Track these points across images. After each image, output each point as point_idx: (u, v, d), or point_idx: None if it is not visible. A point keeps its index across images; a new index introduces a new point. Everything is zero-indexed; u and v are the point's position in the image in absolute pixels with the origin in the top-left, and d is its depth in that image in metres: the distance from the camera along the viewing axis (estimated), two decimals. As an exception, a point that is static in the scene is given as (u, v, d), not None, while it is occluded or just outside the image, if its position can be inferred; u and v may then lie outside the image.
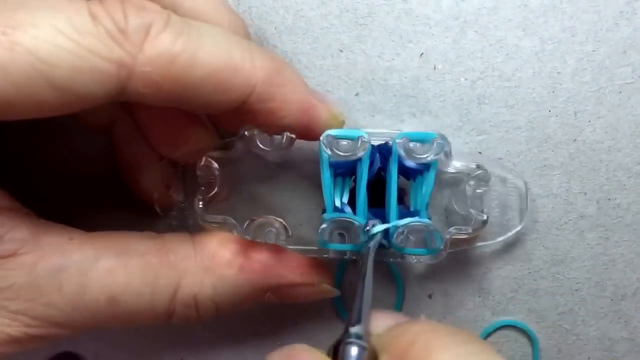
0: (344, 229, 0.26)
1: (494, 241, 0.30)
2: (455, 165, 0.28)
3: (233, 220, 0.26)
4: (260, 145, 0.26)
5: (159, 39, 0.22)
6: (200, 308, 0.26)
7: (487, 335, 0.31)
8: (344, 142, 0.26)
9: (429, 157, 0.26)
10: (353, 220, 0.26)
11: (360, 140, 0.25)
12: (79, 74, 0.21)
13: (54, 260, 0.24)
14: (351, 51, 0.30)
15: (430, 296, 0.31)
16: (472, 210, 0.28)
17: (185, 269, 0.25)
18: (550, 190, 0.31)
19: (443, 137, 0.26)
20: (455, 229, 0.28)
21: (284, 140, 0.26)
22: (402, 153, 0.26)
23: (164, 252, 0.25)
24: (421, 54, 0.30)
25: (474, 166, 0.28)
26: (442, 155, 0.26)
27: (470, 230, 0.28)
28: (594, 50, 0.30)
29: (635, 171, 0.30)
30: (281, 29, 0.30)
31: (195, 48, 0.23)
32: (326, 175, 0.26)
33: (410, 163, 0.26)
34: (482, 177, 0.28)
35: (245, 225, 0.26)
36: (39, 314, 0.23)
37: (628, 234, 0.31)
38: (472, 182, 0.28)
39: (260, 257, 0.26)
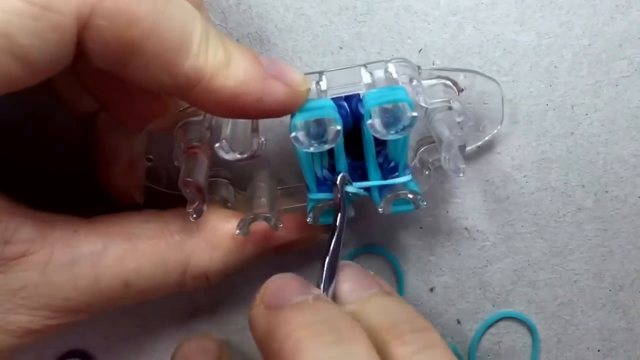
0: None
1: (470, 147, 0.30)
2: (428, 100, 0.27)
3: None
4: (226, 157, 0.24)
5: None
6: (210, 278, 0.27)
7: (488, 327, 0.32)
8: (314, 133, 0.24)
9: (401, 131, 0.24)
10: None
11: (329, 130, 0.24)
12: (40, 38, 0.19)
13: (64, 255, 0.24)
14: (351, 48, 0.30)
15: (431, 289, 0.31)
16: (449, 136, 0.27)
17: (193, 249, 0.26)
18: (549, 183, 0.31)
19: (409, 103, 0.24)
20: (432, 162, 0.28)
21: (255, 149, 0.24)
22: (374, 132, 0.24)
23: (169, 234, 0.26)
24: (420, 50, 0.30)
25: (445, 101, 0.27)
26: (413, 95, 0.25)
27: (447, 158, 0.26)
28: (590, 44, 0.30)
29: (632, 163, 0.31)
30: (281, 27, 0.30)
31: (159, 16, 0.20)
32: (303, 157, 0.25)
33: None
34: (457, 109, 0.28)
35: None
36: (58, 307, 0.24)
37: (625, 226, 0.31)
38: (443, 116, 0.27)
39: (260, 226, 0.26)
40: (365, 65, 0.26)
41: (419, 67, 0.27)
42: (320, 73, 0.26)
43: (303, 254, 0.31)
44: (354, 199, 0.27)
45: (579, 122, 0.31)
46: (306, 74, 0.25)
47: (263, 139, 0.24)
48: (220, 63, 0.22)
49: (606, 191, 0.31)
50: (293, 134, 0.23)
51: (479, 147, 0.31)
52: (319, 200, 0.26)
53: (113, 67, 0.21)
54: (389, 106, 0.23)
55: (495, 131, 0.30)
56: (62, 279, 0.24)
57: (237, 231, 0.26)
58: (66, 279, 0.24)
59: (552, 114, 0.30)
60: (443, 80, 0.27)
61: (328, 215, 0.27)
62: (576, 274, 0.31)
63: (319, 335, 0.19)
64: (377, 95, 0.24)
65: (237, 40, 0.30)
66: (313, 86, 0.25)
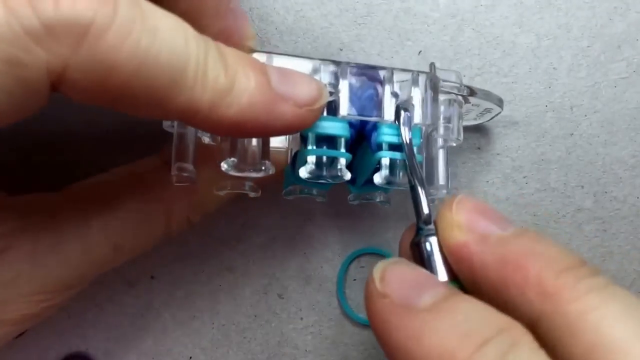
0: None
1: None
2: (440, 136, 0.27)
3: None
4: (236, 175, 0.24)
5: (100, 42, 0.17)
6: (192, 220, 0.27)
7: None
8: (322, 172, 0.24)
9: (400, 187, 0.25)
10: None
11: (340, 171, 0.24)
12: (4, 92, 0.17)
13: (49, 237, 0.24)
14: (351, 50, 0.30)
15: (432, 290, 0.31)
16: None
17: (171, 198, 0.26)
18: (548, 184, 0.31)
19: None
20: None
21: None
22: (378, 183, 0.24)
23: (146, 190, 0.26)
24: (419, 52, 0.30)
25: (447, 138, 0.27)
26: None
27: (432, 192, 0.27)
28: (589, 46, 0.31)
29: (631, 164, 0.31)
30: (282, 29, 0.30)
31: (144, 58, 0.18)
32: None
33: None
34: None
35: None
36: (54, 287, 0.24)
37: (625, 226, 0.31)
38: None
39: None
40: (392, 73, 0.25)
41: (443, 81, 0.26)
42: (343, 66, 0.24)
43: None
44: (326, 187, 0.27)
45: (578, 123, 0.31)
46: (326, 60, 0.24)
47: (273, 168, 0.24)
48: (221, 91, 0.19)
49: (605, 192, 0.31)
50: (303, 174, 0.23)
51: (479, 148, 0.31)
52: (298, 182, 0.26)
53: (99, 104, 0.19)
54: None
55: (472, 124, 0.30)
56: (52, 260, 0.24)
57: (216, 191, 0.26)
58: (56, 259, 0.24)
59: (551, 115, 0.31)
60: (454, 97, 0.27)
61: (304, 193, 0.27)
62: (576, 275, 0.32)
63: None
64: (391, 132, 0.24)
65: (237, 42, 0.30)
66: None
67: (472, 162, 0.31)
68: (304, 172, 0.23)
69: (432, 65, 0.26)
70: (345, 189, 0.28)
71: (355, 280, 0.31)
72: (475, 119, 0.30)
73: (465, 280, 0.21)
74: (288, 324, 0.31)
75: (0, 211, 0.24)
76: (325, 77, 0.24)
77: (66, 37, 0.17)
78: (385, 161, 0.24)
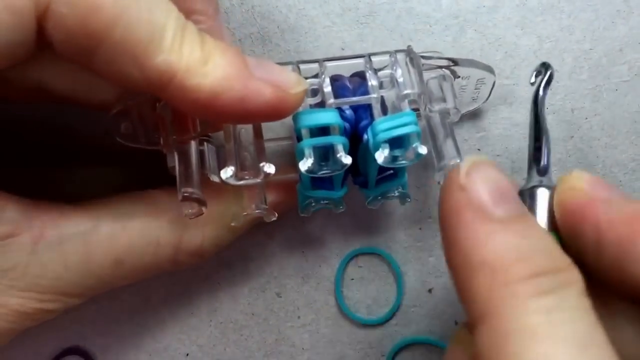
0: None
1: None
2: (430, 108, 0.27)
3: None
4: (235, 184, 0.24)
5: None
6: (204, 254, 0.27)
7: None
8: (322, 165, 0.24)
9: (408, 162, 0.25)
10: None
11: (337, 161, 0.24)
12: None
13: (53, 235, 0.24)
14: (353, 49, 0.30)
15: (430, 290, 0.31)
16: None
17: (184, 226, 0.26)
18: (548, 186, 0.31)
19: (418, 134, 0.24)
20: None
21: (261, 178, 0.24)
22: (382, 163, 0.24)
23: (159, 212, 0.26)
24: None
25: (445, 110, 0.27)
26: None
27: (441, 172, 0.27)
28: (591, 49, 0.30)
29: (631, 167, 0.31)
30: (284, 28, 0.30)
31: (126, 5, 0.19)
32: (300, 152, 0.25)
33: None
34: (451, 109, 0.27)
35: None
36: (48, 288, 0.24)
37: (624, 229, 0.31)
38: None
39: (250, 196, 0.26)
40: (370, 58, 0.26)
41: (423, 57, 0.27)
42: (321, 63, 0.25)
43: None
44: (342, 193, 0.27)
45: (578, 126, 0.31)
46: (303, 61, 0.25)
47: (271, 167, 0.24)
48: (197, 60, 0.20)
49: (605, 195, 0.31)
50: (303, 168, 0.23)
51: (479, 149, 0.31)
52: (312, 198, 0.27)
53: (79, 58, 0.20)
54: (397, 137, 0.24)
55: (475, 107, 0.30)
56: (51, 258, 0.24)
57: (232, 223, 0.26)
58: (56, 258, 0.24)
59: (552, 117, 0.31)
60: (442, 72, 0.27)
61: (321, 208, 0.27)
62: (574, 277, 0.32)
63: (533, 276, 0.18)
64: (387, 126, 0.24)
65: (239, 40, 0.30)
66: (310, 99, 0.25)
67: (472, 163, 0.31)
68: (303, 166, 0.23)
69: (408, 46, 0.27)
70: (350, 189, 0.28)
71: (352, 279, 0.31)
72: (473, 99, 0.29)
73: (583, 237, 0.21)
74: (285, 322, 0.31)
75: (9, 201, 0.24)
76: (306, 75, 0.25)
77: None
78: (383, 144, 0.24)
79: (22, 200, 0.24)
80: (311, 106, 0.25)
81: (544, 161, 0.24)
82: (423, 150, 0.24)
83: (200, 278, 0.31)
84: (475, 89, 0.29)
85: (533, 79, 0.26)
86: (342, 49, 0.30)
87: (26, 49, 0.20)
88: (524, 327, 0.17)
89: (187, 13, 0.22)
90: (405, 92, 0.25)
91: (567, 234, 0.21)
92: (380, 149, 0.24)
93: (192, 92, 0.20)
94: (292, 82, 0.22)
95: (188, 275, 0.31)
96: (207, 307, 0.31)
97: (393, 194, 0.28)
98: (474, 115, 0.31)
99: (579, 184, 0.22)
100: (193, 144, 0.25)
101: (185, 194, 0.24)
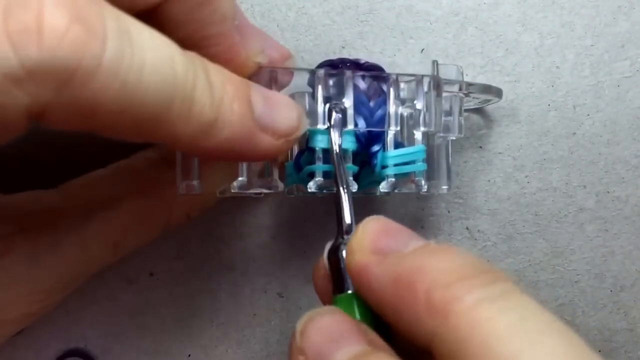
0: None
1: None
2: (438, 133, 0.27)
3: None
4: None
5: (86, 86, 0.16)
6: (191, 217, 0.27)
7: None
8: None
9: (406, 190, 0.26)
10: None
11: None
12: None
13: (49, 238, 0.24)
14: (353, 48, 0.30)
15: (432, 289, 0.31)
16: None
17: (172, 196, 0.26)
18: (550, 184, 0.31)
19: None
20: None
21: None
22: (385, 190, 0.25)
23: (145, 188, 0.26)
24: (422, 50, 0.30)
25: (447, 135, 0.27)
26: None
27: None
28: (592, 45, 0.30)
29: (634, 164, 0.31)
30: (283, 27, 0.30)
31: (130, 99, 0.17)
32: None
33: None
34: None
35: None
36: (52, 286, 0.24)
37: (627, 226, 0.31)
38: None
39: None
40: (397, 80, 0.25)
41: (445, 81, 0.26)
42: (346, 79, 0.24)
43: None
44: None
45: (580, 123, 0.31)
46: (329, 74, 0.24)
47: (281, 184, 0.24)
48: (204, 125, 0.19)
49: (608, 192, 0.31)
50: (312, 188, 0.24)
51: (480, 147, 0.31)
52: (300, 182, 0.26)
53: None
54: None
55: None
56: (51, 260, 0.24)
57: (218, 193, 0.26)
58: (56, 259, 0.24)
59: (554, 114, 0.30)
60: (456, 93, 0.27)
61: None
62: (577, 275, 0.31)
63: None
64: (397, 161, 0.25)
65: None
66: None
67: (473, 161, 0.31)
68: (313, 186, 0.24)
69: (434, 62, 0.26)
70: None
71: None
72: (474, 105, 0.30)
73: (369, 301, 0.20)
74: (287, 322, 0.31)
75: (3, 213, 0.23)
76: (325, 90, 0.24)
77: (50, 82, 0.15)
78: (389, 176, 0.25)
79: (13, 205, 0.24)
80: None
81: (347, 220, 0.22)
82: (424, 188, 0.25)
83: (201, 278, 0.31)
84: (480, 103, 0.29)
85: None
86: (343, 47, 0.30)
87: (16, 135, 0.17)
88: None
89: (202, 41, 0.21)
90: (423, 129, 0.25)
91: (362, 296, 0.20)
92: (386, 181, 0.25)
93: (195, 151, 0.21)
94: (293, 128, 0.22)
95: (189, 275, 0.31)
96: (208, 307, 0.31)
97: (376, 193, 0.27)
98: (476, 112, 0.31)
99: (361, 240, 0.20)
100: None
101: (185, 191, 0.24)
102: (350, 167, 0.24)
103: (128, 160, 0.27)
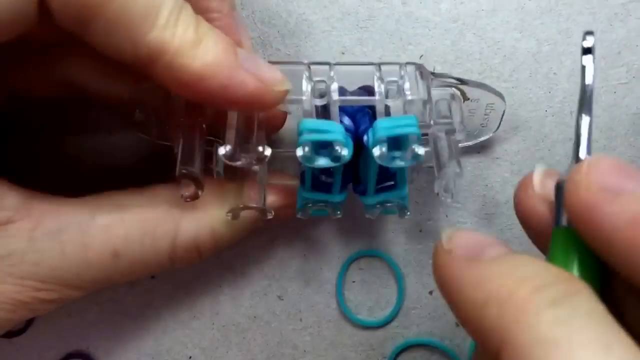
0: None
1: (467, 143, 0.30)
2: (435, 121, 0.27)
3: None
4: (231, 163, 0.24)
5: None
6: (201, 249, 0.27)
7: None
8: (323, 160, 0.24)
9: (405, 162, 0.24)
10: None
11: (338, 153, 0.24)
12: None
13: (51, 223, 0.24)
14: (353, 53, 0.30)
15: (431, 292, 0.32)
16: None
17: (180, 216, 0.26)
18: (547, 188, 0.31)
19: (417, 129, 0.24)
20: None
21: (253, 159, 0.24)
22: (380, 161, 0.24)
23: (156, 204, 0.26)
24: (421, 56, 0.30)
25: (449, 123, 0.27)
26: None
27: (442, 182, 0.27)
28: (589, 52, 0.31)
29: (630, 169, 0.31)
30: (284, 33, 0.30)
31: None
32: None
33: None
34: (457, 127, 0.28)
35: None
36: (46, 277, 0.24)
37: (623, 230, 0.31)
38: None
39: (250, 193, 0.26)
40: (380, 67, 0.26)
41: (432, 74, 0.27)
42: (330, 66, 0.25)
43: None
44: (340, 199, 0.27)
45: (577, 128, 0.31)
46: (315, 63, 0.25)
47: (268, 149, 0.24)
48: (189, 41, 0.21)
49: (604, 196, 0.31)
50: (299, 153, 0.23)
51: (478, 152, 0.31)
52: (310, 200, 0.27)
53: (75, 29, 0.21)
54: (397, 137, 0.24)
55: (486, 138, 0.30)
56: (49, 247, 0.24)
57: (228, 216, 0.26)
58: (53, 247, 0.24)
59: (551, 119, 0.31)
60: (452, 90, 0.27)
61: (318, 212, 0.27)
62: (574, 278, 0.32)
63: (539, 290, 0.17)
64: (388, 125, 0.24)
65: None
66: (317, 100, 0.25)
67: (471, 165, 0.31)
68: (300, 152, 0.23)
69: (420, 63, 0.27)
70: (352, 197, 0.28)
71: (354, 282, 0.32)
72: (482, 125, 0.29)
73: (593, 239, 0.19)
74: (287, 324, 0.32)
75: (10, 189, 0.24)
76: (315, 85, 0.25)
77: None
78: (382, 140, 0.24)
79: (22, 189, 0.24)
80: (317, 107, 0.25)
81: (582, 154, 0.21)
82: (421, 150, 0.24)
83: (202, 281, 0.31)
84: (485, 114, 0.29)
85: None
86: (342, 53, 0.30)
87: (28, 17, 0.20)
88: (544, 340, 0.16)
89: (202, 11, 0.23)
90: (410, 97, 0.25)
91: (581, 233, 0.20)
92: (378, 145, 0.24)
93: (178, 72, 0.21)
94: (276, 80, 0.23)
95: (190, 278, 0.31)
96: (209, 310, 0.32)
97: (392, 204, 0.27)
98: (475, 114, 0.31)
99: (585, 179, 0.19)
100: (199, 130, 0.26)
101: (184, 171, 0.24)
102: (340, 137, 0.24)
103: (149, 185, 0.27)
